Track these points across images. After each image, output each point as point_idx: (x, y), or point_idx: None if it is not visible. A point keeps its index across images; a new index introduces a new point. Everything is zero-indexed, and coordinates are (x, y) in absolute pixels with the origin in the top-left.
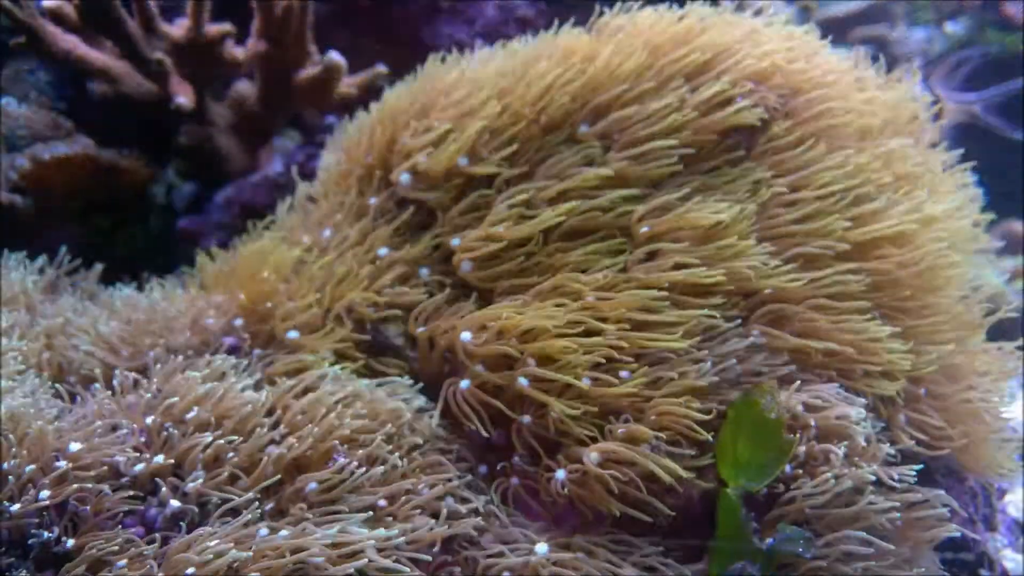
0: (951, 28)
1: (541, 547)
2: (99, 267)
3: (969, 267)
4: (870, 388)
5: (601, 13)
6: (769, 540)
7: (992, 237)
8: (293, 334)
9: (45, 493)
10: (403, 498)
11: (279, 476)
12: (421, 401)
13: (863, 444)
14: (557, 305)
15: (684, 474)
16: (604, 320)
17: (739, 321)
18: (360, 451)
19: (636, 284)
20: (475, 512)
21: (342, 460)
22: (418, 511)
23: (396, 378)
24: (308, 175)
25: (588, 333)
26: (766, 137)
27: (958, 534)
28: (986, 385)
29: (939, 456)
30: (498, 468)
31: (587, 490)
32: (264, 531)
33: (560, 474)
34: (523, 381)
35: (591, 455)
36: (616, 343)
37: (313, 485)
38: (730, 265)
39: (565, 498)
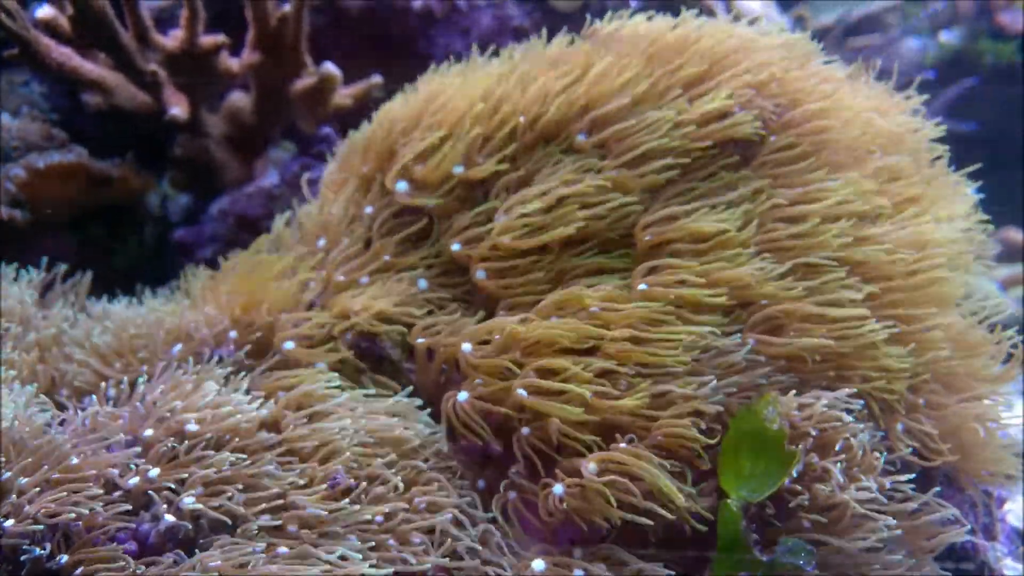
0: (945, 37)
1: (538, 563)
2: (89, 277)
3: (967, 281)
4: (868, 396)
5: (593, 22)
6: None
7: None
8: (288, 345)
9: (40, 508)
10: (400, 516)
11: (277, 493)
12: (426, 419)
13: (861, 453)
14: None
15: (681, 501)
16: (607, 332)
17: (739, 337)
18: (362, 471)
19: (640, 297)
20: (473, 528)
21: (341, 479)
22: (414, 530)
23: (402, 398)
24: (303, 186)
25: (593, 347)
26: (764, 149)
27: (959, 543)
28: (985, 392)
29: (937, 465)
30: (496, 482)
31: (586, 503)
32: (261, 545)
33: (558, 489)
34: (521, 392)
35: (589, 466)
36: (619, 352)
37: (311, 508)
38: (731, 275)
39: (563, 513)
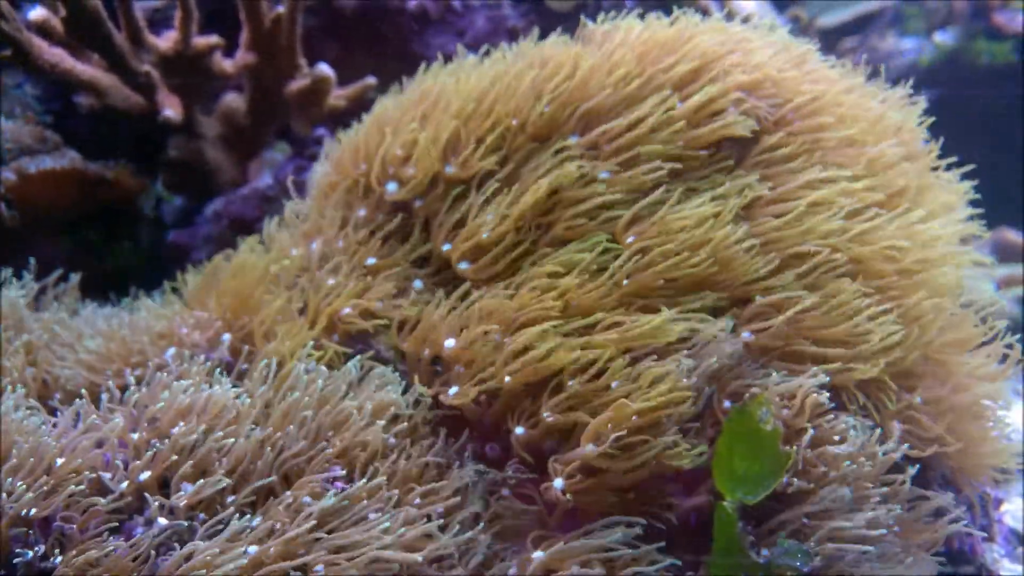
0: (940, 38)
1: (537, 558)
2: (76, 279)
3: (962, 277)
4: (864, 393)
5: (588, 23)
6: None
7: (985, 244)
8: (281, 346)
9: (30, 510)
10: (395, 509)
11: (271, 489)
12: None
13: (856, 451)
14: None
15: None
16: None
17: (732, 323)
18: (359, 453)
19: (625, 279)
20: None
21: (339, 472)
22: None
23: (382, 366)
24: (298, 188)
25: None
26: (757, 148)
27: (956, 545)
28: (982, 391)
29: (935, 465)
30: (493, 481)
31: (588, 495)
32: (253, 549)
33: (558, 483)
34: (508, 380)
35: (587, 446)
36: (605, 336)
37: (307, 499)
38: (720, 256)
39: (563, 505)
